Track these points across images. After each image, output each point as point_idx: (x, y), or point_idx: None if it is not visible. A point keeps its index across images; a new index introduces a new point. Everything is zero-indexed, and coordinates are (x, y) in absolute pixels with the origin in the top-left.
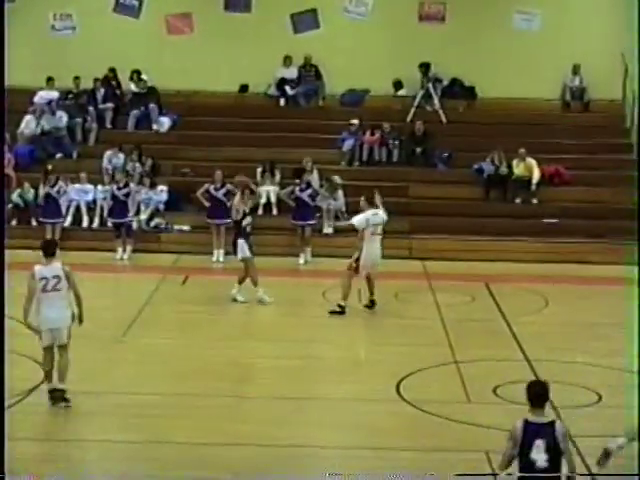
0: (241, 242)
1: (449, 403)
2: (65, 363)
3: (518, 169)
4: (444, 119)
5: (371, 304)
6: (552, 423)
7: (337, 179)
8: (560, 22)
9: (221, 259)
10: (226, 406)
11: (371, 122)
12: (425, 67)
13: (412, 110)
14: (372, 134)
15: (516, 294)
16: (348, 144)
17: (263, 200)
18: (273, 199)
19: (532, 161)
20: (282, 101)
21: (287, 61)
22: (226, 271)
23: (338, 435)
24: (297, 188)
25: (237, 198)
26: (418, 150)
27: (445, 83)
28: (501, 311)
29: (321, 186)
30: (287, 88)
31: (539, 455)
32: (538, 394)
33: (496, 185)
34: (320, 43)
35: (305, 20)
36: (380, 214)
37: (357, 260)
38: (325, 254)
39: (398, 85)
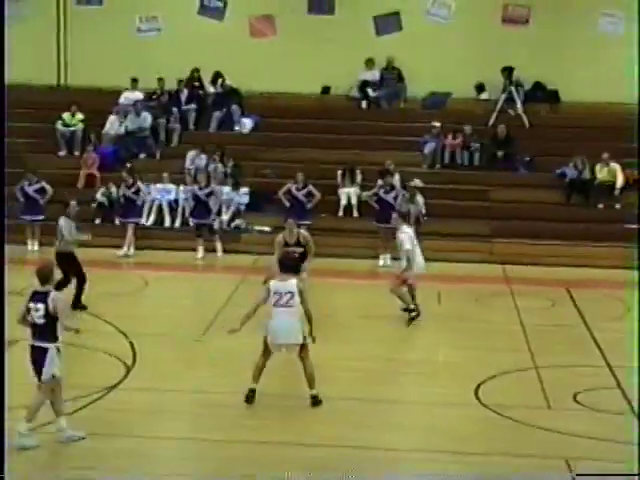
0: None
1: (528, 408)
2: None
3: (601, 174)
4: (526, 123)
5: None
6: None
7: (418, 182)
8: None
9: None
10: (302, 407)
11: (453, 125)
12: (508, 71)
13: (494, 114)
14: (454, 137)
15: (597, 300)
16: (429, 147)
17: (344, 202)
18: (354, 201)
19: (616, 166)
20: (364, 103)
21: (369, 63)
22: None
23: (415, 438)
24: (381, 190)
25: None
26: (500, 154)
27: (528, 87)
28: (582, 317)
29: (403, 188)
30: (369, 90)
31: None
32: None
33: (578, 190)
34: (402, 45)
35: (388, 22)
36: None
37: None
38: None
39: (480, 88)
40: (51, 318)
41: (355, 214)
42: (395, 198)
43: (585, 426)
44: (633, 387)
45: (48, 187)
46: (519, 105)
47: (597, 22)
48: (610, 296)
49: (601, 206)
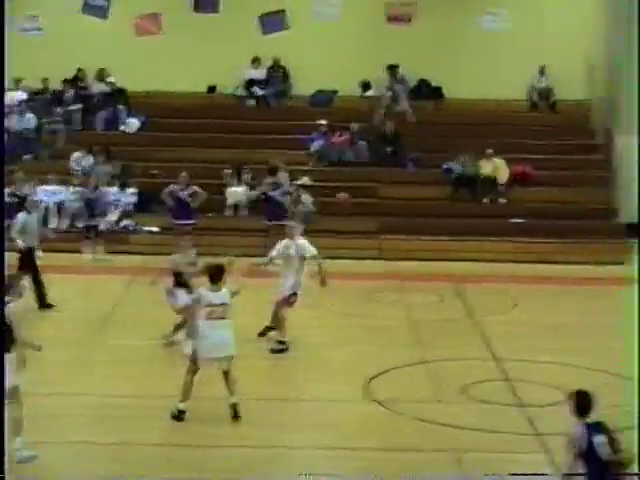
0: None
1: (418, 403)
2: None
3: (486, 169)
4: (412, 120)
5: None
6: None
7: (306, 180)
8: (527, 23)
9: None
10: (199, 408)
11: (340, 123)
12: (393, 68)
13: (380, 111)
14: (341, 135)
15: (484, 294)
16: (317, 145)
17: (231, 201)
18: (242, 200)
19: (500, 161)
20: (250, 102)
21: (255, 62)
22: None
23: (308, 436)
24: (269, 188)
25: None
26: (388, 150)
27: (413, 84)
28: (469, 311)
29: (291, 186)
30: (256, 89)
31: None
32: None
33: (464, 185)
34: (289, 44)
35: (274, 21)
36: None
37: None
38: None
39: (366, 86)
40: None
41: (243, 213)
42: (283, 195)
43: (473, 418)
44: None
45: None
46: (404, 102)
47: (480, 20)
48: (497, 290)
49: (486, 201)
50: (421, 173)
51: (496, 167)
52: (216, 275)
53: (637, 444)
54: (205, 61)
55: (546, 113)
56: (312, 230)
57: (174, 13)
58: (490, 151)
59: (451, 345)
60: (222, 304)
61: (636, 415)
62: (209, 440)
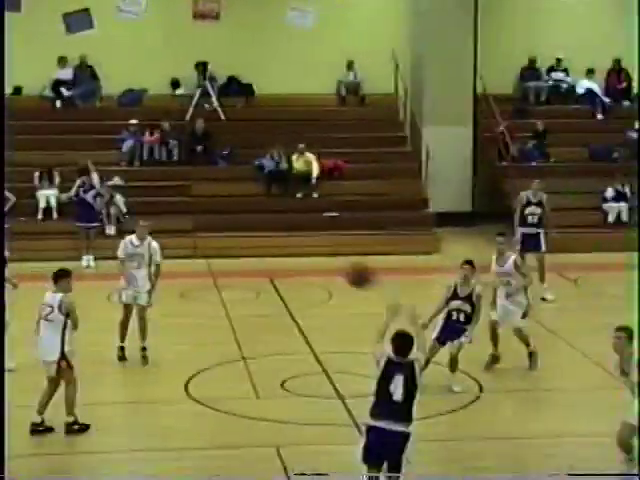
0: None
1: (239, 399)
2: None
3: (298, 164)
4: (223, 117)
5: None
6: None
7: (117, 180)
8: (334, 19)
9: None
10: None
11: (150, 122)
12: (202, 66)
13: (190, 109)
14: (152, 134)
15: (301, 288)
16: (128, 144)
17: (42, 204)
18: (53, 203)
19: (311, 156)
20: (58, 103)
21: (62, 62)
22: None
23: (130, 439)
24: (81, 190)
25: None
26: (199, 148)
27: (222, 81)
28: (286, 306)
29: (102, 187)
30: (63, 89)
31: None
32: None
33: (277, 180)
34: (96, 43)
35: (78, 20)
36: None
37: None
38: (108, 256)
39: (175, 84)
40: None
41: (55, 216)
42: (95, 197)
43: (294, 412)
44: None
45: None
46: (214, 99)
47: (288, 16)
48: (312, 284)
49: (299, 196)
50: (233, 170)
51: (308, 161)
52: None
53: (637, 443)
54: (10, 62)
55: (355, 107)
56: (125, 231)
57: None
58: (302, 146)
59: (269, 341)
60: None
61: (636, 415)
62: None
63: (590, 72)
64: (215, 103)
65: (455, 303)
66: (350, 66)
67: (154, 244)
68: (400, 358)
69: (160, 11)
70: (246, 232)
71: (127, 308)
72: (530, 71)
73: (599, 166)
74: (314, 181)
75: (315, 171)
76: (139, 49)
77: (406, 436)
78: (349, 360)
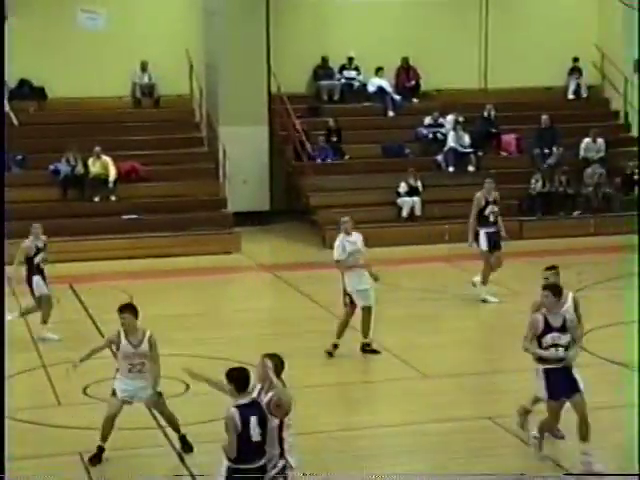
0: (36, 279)
1: (40, 408)
2: None
3: (95, 167)
4: (15, 121)
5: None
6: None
7: None
8: (126, 21)
9: None
10: None
11: None
12: None
13: None
14: None
15: (101, 293)
16: None
17: None
18: None
19: (107, 159)
20: None
21: None
22: None
23: None
24: None
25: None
26: None
27: (13, 84)
28: (87, 311)
29: None
30: None
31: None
32: (241, 379)
33: (73, 185)
34: None
35: None
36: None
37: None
38: None
39: None
40: None
41: None
42: None
43: (96, 418)
44: None
45: None
46: (5, 103)
47: (77, 17)
48: (113, 287)
49: (97, 199)
50: (27, 175)
51: (104, 165)
52: None
53: (637, 444)
54: None
55: (150, 109)
56: None
57: None
58: (98, 149)
59: (71, 347)
60: None
61: (636, 415)
62: None
63: (379, 70)
64: (6, 107)
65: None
66: (144, 67)
67: None
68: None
69: None
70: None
71: None
72: (323, 70)
73: (392, 162)
74: (111, 184)
75: (112, 174)
76: None
77: None
78: None
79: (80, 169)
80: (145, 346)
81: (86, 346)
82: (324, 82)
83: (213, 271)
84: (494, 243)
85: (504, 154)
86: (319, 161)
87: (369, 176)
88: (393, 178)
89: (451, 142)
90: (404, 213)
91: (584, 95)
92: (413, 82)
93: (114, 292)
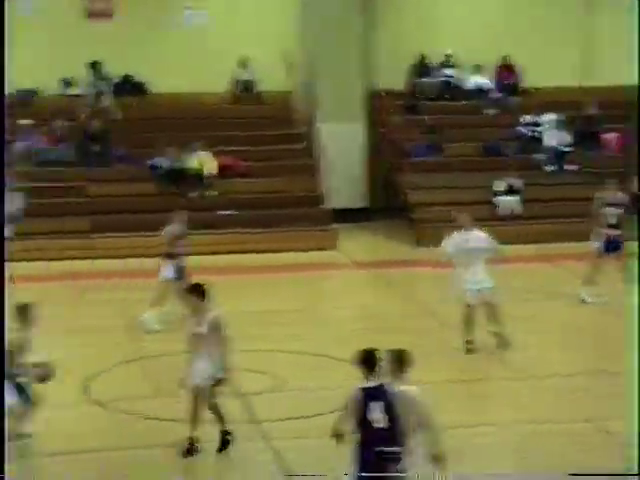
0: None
1: (138, 399)
2: None
3: (193, 163)
4: (117, 116)
5: None
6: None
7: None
8: (227, 17)
9: None
10: None
11: (43, 122)
12: (95, 65)
13: (85, 109)
14: (46, 134)
15: None
16: (20, 146)
17: None
18: None
19: (206, 154)
20: None
21: None
22: None
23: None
24: None
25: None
26: (94, 149)
27: (116, 80)
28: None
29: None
30: None
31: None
32: (368, 360)
33: (172, 180)
34: None
35: None
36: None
37: None
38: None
39: (68, 83)
40: None
41: None
42: None
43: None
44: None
45: None
46: (108, 99)
47: (180, 15)
48: (210, 282)
49: (195, 195)
50: (128, 169)
51: (203, 160)
52: None
53: (637, 445)
54: None
55: (250, 105)
56: (23, 233)
57: None
58: (197, 144)
59: (166, 339)
60: None
61: (636, 416)
62: None
63: (478, 68)
64: (109, 102)
65: None
66: (245, 64)
67: None
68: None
69: (51, 10)
70: (142, 232)
71: None
72: (421, 67)
73: (490, 160)
74: (210, 180)
75: (211, 170)
76: (29, 48)
77: None
78: (248, 357)
79: (179, 164)
80: (204, 328)
81: (177, 339)
82: (423, 79)
83: (310, 267)
84: (613, 246)
85: (605, 153)
86: (417, 158)
87: (467, 174)
88: (491, 177)
89: (550, 141)
90: (502, 212)
91: None
92: (513, 80)
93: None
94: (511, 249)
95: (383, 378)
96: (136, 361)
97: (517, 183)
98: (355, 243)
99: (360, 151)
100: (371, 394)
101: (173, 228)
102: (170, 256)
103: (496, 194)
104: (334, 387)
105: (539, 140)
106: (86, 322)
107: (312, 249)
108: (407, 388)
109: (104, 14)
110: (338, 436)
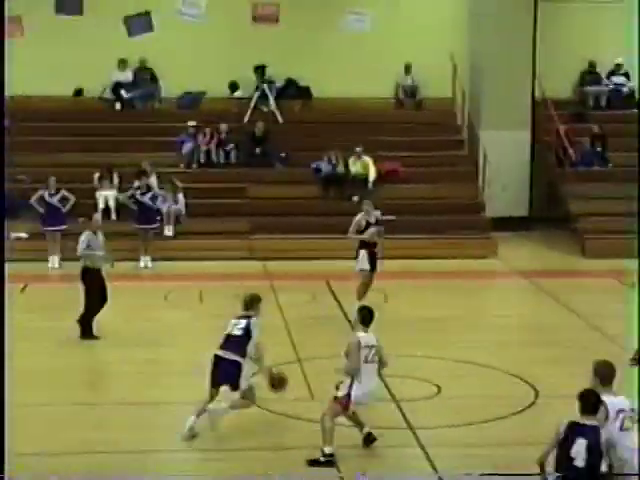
0: (362, 252)
1: (293, 401)
2: None
3: (355, 167)
4: (280, 119)
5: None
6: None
7: (177, 183)
8: (391, 23)
9: (56, 265)
10: (76, 413)
11: (208, 124)
12: (260, 69)
13: (249, 111)
14: (210, 136)
15: (356, 291)
16: (186, 147)
17: (101, 205)
18: (112, 204)
19: (368, 159)
20: (118, 105)
21: (122, 64)
22: (64, 278)
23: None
24: (138, 192)
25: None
26: (257, 151)
27: (280, 84)
28: (342, 308)
29: (161, 189)
30: (122, 91)
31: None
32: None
33: (334, 183)
34: (155, 46)
35: (139, 23)
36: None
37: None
38: (165, 257)
39: (234, 87)
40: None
41: (113, 217)
42: (152, 199)
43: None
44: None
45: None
46: (272, 102)
47: (345, 19)
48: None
49: (356, 199)
50: (290, 172)
51: (365, 165)
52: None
53: (637, 442)
54: (70, 64)
55: (412, 110)
56: (184, 232)
57: (36, 15)
58: (359, 149)
59: (325, 343)
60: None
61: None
62: (85, 446)
63: None
64: (273, 105)
65: None
66: (408, 69)
67: None
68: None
69: (220, 14)
70: (302, 234)
71: None
72: (590, 75)
73: None
74: (371, 185)
75: (372, 174)
76: (198, 52)
77: None
78: (402, 363)
79: (341, 168)
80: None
81: (339, 341)
82: (591, 88)
83: (469, 275)
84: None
85: None
86: (581, 168)
87: (632, 185)
88: None
89: None
90: None
91: None
92: None
93: (369, 291)
94: None
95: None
96: (294, 363)
97: None
98: (515, 252)
99: (523, 159)
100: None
101: (361, 217)
102: (364, 245)
103: None
104: (490, 395)
105: None
106: None
107: (472, 257)
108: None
109: (270, 19)
110: (541, 467)
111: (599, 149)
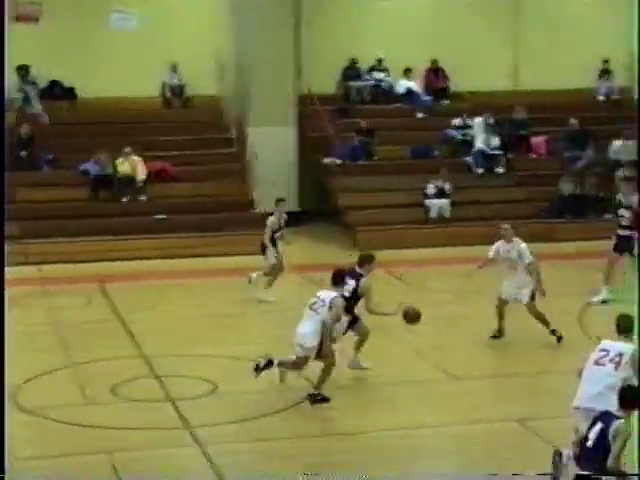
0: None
1: (67, 407)
2: None
3: (123, 167)
4: (46, 121)
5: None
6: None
7: None
8: (157, 22)
9: None
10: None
11: None
12: (23, 69)
13: (13, 114)
14: None
15: (131, 292)
16: None
17: None
18: None
19: (136, 159)
20: None
21: None
22: None
23: None
24: None
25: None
26: (23, 154)
27: (44, 85)
28: (117, 311)
29: None
30: None
31: None
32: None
33: (103, 185)
34: None
35: None
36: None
37: None
38: None
39: None
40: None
41: None
42: None
43: (124, 417)
44: None
45: None
46: (37, 104)
47: (109, 18)
48: (143, 287)
49: (126, 199)
50: (58, 175)
51: (133, 165)
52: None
53: (637, 445)
54: None
55: (180, 109)
56: None
57: None
58: (127, 149)
59: (99, 346)
60: None
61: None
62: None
63: (408, 71)
64: (38, 107)
65: None
66: (174, 68)
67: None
68: None
69: None
70: (75, 237)
71: None
72: (352, 71)
73: (421, 163)
74: (140, 184)
75: (141, 174)
76: None
77: None
78: (179, 362)
79: (109, 169)
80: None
81: (115, 346)
82: (353, 83)
83: (241, 272)
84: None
85: (534, 156)
86: (348, 162)
87: (398, 177)
88: (421, 179)
89: (479, 144)
90: (432, 215)
91: (615, 97)
92: (442, 84)
93: (144, 292)
94: (440, 252)
95: None
96: (66, 368)
97: (447, 186)
98: (288, 247)
99: (292, 155)
100: None
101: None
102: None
103: (426, 197)
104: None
105: (471, 143)
106: (15, 329)
107: (246, 253)
108: None
109: (31, 18)
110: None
111: (364, 143)
